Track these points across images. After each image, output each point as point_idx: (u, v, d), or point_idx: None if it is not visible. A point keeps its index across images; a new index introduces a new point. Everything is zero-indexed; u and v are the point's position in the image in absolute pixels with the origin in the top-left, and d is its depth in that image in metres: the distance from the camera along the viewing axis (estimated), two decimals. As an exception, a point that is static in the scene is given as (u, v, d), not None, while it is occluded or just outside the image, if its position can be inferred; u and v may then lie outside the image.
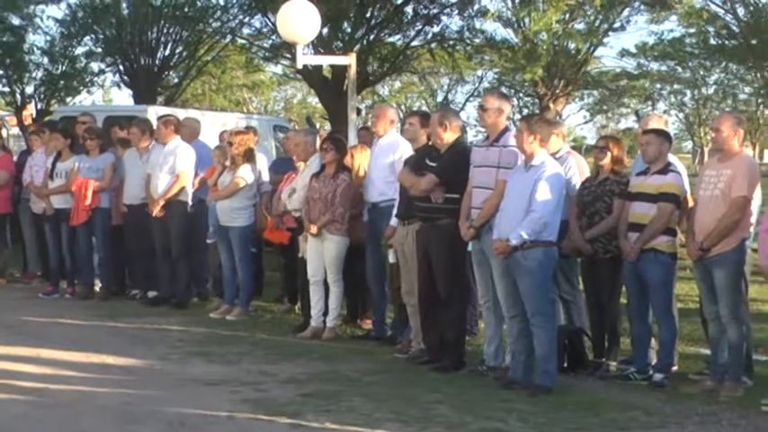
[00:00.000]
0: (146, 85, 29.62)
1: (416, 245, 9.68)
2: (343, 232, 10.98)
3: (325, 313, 11.09)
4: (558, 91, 32.71)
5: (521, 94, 47.94)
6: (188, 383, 8.81)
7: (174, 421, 7.49)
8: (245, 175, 12.15)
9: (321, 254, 11.01)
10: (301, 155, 11.63)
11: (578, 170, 9.90)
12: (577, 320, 9.80)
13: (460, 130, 9.76)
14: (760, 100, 48.15)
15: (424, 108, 52.28)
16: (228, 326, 11.72)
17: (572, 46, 29.43)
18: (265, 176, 12.72)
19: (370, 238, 10.95)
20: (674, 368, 9.28)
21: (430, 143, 9.85)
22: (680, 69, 50.21)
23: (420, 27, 29.45)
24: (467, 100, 53.31)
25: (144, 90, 29.32)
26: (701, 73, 51.98)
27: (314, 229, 10.90)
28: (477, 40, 30.94)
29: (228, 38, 32.24)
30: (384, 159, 10.70)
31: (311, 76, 27.93)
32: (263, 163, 12.83)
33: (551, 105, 32.45)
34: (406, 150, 10.44)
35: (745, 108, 51.79)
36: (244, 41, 33.09)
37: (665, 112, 60.21)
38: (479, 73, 47.35)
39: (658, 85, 56.35)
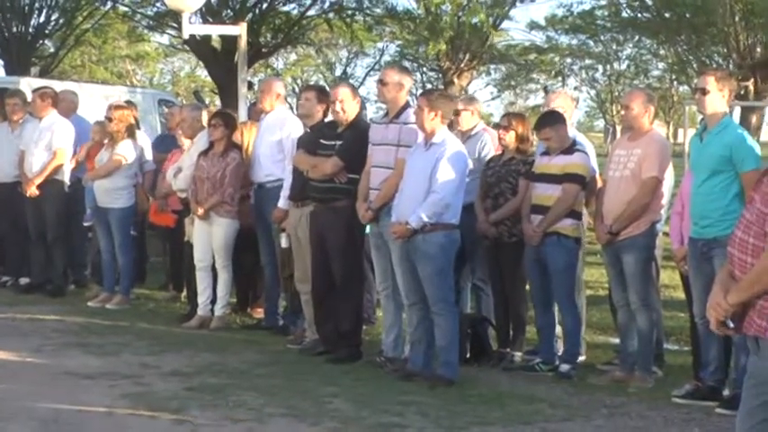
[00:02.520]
0: (18, 55, 29.11)
1: (310, 228, 9.64)
2: (232, 215, 10.93)
3: (213, 301, 11.03)
4: (462, 65, 32.92)
5: (424, 69, 48.11)
6: (63, 377, 8.67)
7: (48, 418, 7.38)
8: (125, 152, 12.01)
9: (209, 238, 10.93)
10: (187, 131, 11.52)
11: (493, 148, 9.94)
12: (485, 308, 9.86)
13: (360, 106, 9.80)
14: (674, 76, 48.89)
15: (322, 82, 52.21)
16: (108, 315, 11.60)
17: (476, 19, 29.55)
18: (148, 154, 12.58)
19: (257, 221, 10.90)
20: (582, 358, 9.41)
21: (326, 120, 9.83)
22: (591, 43, 50.78)
23: (317, -5, 29.41)
24: (367, 74, 53.42)
25: (16, 60, 28.81)
26: (614, 47, 52.66)
27: (201, 211, 10.82)
28: (377, 11, 30.98)
29: (109, 4, 31.80)
30: (271, 137, 10.65)
31: (199, 47, 27.70)
32: (144, 140, 12.69)
33: (456, 80, 32.66)
34: (295, 127, 10.43)
35: (658, 85, 52.59)
36: (126, 9, 32.66)
37: (575, 88, 61.00)
38: (380, 45, 47.39)
39: (569, 60, 56.94)
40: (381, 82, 9.22)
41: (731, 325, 4.46)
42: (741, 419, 4.56)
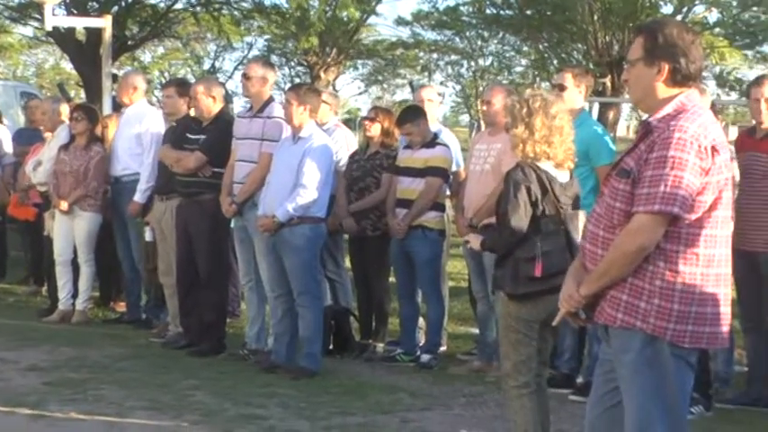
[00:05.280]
0: None
1: (176, 222, 9.58)
2: (96, 208, 10.78)
3: (75, 295, 10.85)
4: (329, 60, 32.94)
5: (292, 63, 48.00)
6: None
7: None
8: (-17, 145, 11.76)
9: (70, 232, 10.76)
10: (47, 124, 11.34)
11: (346, 144, 9.97)
12: (343, 300, 9.90)
13: (225, 99, 9.73)
14: (536, 72, 49.52)
15: (189, 76, 51.70)
16: (-34, 310, 11.34)
17: (346, 14, 29.59)
18: (7, 147, 12.32)
19: (114, 214, 10.77)
20: (443, 348, 9.48)
21: (191, 113, 9.75)
22: (457, 40, 51.10)
23: (184, -11, 29.12)
24: (235, 68, 52.92)
25: None
26: (478, 44, 53.08)
27: (64, 205, 10.63)
28: (245, 5, 30.80)
29: (-32, -5, 31.03)
30: (130, 130, 10.54)
31: (64, 39, 27.16)
32: (4, 133, 12.43)
33: (323, 75, 32.68)
34: (154, 121, 10.37)
35: (521, 80, 53.18)
36: (-14, -1, 31.93)
37: (441, 83, 61.34)
38: (249, 40, 47.08)
39: (435, 56, 57.27)
40: (245, 76, 9.20)
41: (583, 316, 4.54)
42: (591, 405, 4.66)
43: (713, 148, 4.25)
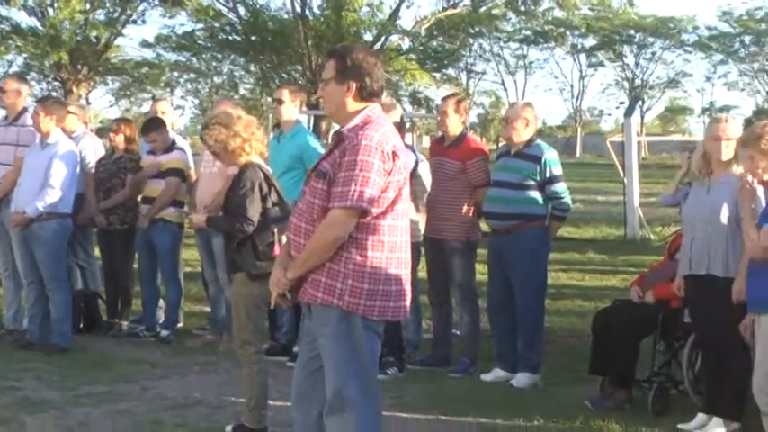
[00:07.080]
0: None
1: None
2: None
3: None
4: (81, 76, 32.07)
5: (49, 79, 46.43)
6: None
7: None
8: None
9: None
10: None
11: (93, 150, 9.75)
12: (92, 285, 9.68)
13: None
14: (261, 89, 49.62)
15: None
16: None
17: (94, 34, 28.95)
18: None
19: None
20: (180, 324, 9.39)
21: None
22: (195, 60, 50.61)
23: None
24: (-4, 83, 50.82)
25: None
26: (213, 64, 52.72)
27: None
28: (3, 26, 29.71)
29: None
30: None
31: None
32: None
33: (75, 89, 31.77)
34: None
35: (250, 96, 53.19)
36: None
37: (182, 98, 60.68)
38: (9, 57, 45.26)
39: (176, 74, 56.56)
40: (1, 90, 8.96)
41: (289, 297, 4.56)
42: (298, 369, 4.69)
43: (394, 153, 4.36)
